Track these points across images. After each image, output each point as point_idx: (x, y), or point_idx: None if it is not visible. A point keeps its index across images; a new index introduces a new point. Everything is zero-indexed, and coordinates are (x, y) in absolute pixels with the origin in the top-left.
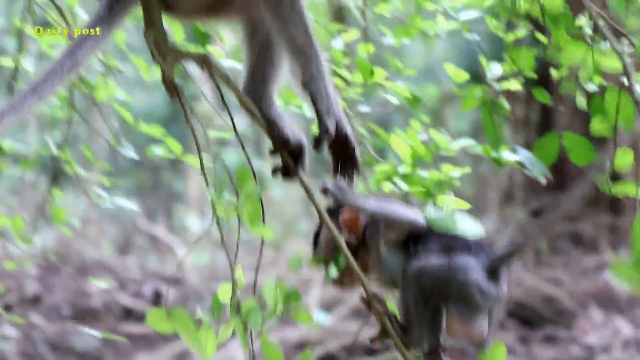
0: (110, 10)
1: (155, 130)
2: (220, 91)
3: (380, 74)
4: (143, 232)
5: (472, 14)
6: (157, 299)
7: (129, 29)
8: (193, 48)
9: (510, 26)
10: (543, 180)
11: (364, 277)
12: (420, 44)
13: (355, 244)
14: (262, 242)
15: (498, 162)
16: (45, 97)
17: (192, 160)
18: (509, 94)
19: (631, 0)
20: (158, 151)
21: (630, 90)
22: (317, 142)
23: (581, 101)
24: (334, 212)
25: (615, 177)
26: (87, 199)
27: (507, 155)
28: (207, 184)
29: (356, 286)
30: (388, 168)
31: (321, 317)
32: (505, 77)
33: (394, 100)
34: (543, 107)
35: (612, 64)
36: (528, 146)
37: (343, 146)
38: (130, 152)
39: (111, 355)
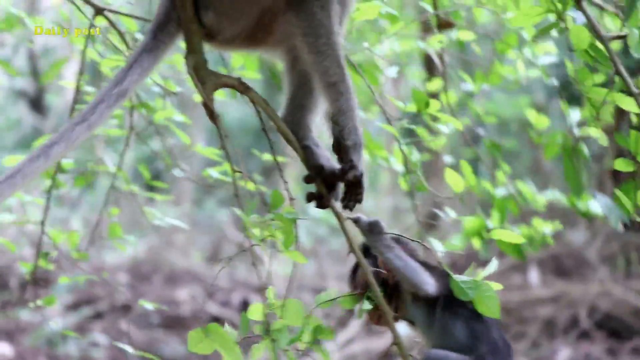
0: (155, 38)
1: (210, 152)
2: (260, 116)
3: (434, 105)
4: (232, 242)
5: (550, 59)
6: (245, 307)
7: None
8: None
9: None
10: (620, 228)
11: (391, 319)
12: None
13: (392, 283)
14: (294, 266)
15: (584, 215)
16: (94, 126)
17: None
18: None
19: None
20: (213, 173)
21: None
22: (342, 173)
23: None
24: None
25: None
26: (180, 209)
27: (592, 206)
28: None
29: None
30: (477, 223)
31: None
32: (584, 123)
33: (445, 130)
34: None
35: None
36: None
37: (356, 182)
38: (180, 173)
39: None
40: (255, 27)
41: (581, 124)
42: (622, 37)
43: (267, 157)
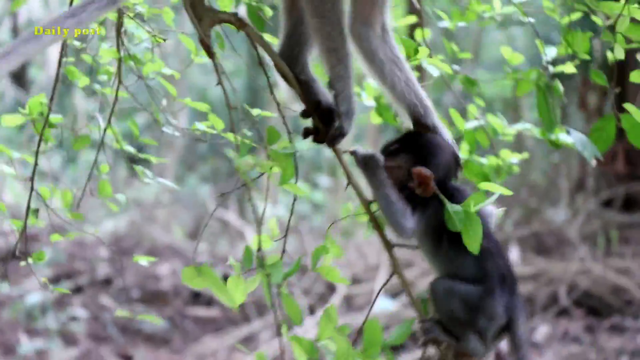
0: None
1: (201, 106)
2: (257, 50)
3: (423, 52)
4: (214, 217)
5: None
6: (226, 282)
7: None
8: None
9: (567, 9)
10: (593, 163)
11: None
12: (497, 33)
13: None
14: (295, 199)
15: (554, 144)
16: (83, 23)
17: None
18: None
19: None
20: (201, 126)
21: None
22: (332, 139)
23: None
24: (391, 152)
25: None
26: (161, 185)
27: (562, 137)
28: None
29: None
30: None
31: (386, 303)
32: (562, 60)
33: (435, 72)
34: (618, 98)
35: None
36: None
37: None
38: (171, 130)
39: (179, 337)
40: None
41: (555, 61)
42: None
43: (256, 111)
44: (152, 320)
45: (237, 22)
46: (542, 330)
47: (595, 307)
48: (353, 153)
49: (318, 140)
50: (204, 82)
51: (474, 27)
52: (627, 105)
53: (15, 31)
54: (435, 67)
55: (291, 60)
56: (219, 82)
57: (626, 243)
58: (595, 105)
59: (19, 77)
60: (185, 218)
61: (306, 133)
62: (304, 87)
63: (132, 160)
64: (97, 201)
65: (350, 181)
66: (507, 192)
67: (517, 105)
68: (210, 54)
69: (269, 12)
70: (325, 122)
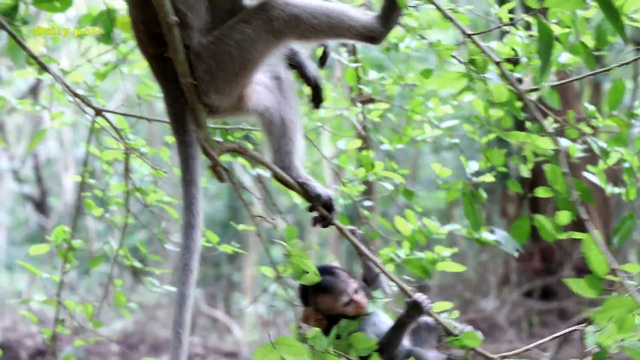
0: (183, 138)
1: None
2: (258, 175)
3: (379, 166)
4: (205, 315)
5: (451, 123)
6: None
7: None
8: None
9: (484, 131)
10: (515, 254)
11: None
12: (430, 157)
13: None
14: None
15: (480, 242)
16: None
17: (231, 249)
18: (504, 196)
19: None
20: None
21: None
22: (312, 207)
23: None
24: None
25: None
26: (161, 289)
27: (486, 235)
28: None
29: None
30: (390, 250)
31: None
32: (481, 173)
33: (389, 187)
34: (531, 206)
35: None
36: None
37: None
38: (173, 247)
39: None
40: (240, 98)
41: (477, 173)
42: (535, 90)
43: (242, 227)
44: None
45: (241, 148)
46: None
47: None
48: (353, 232)
49: (326, 225)
50: None
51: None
52: (537, 216)
53: (37, 169)
54: (387, 180)
55: (285, 169)
56: (239, 196)
57: (545, 326)
58: (514, 213)
59: (40, 205)
60: None
61: (315, 221)
62: (304, 187)
63: (139, 272)
64: (108, 305)
65: (360, 251)
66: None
67: (450, 215)
68: (221, 178)
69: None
70: (328, 209)
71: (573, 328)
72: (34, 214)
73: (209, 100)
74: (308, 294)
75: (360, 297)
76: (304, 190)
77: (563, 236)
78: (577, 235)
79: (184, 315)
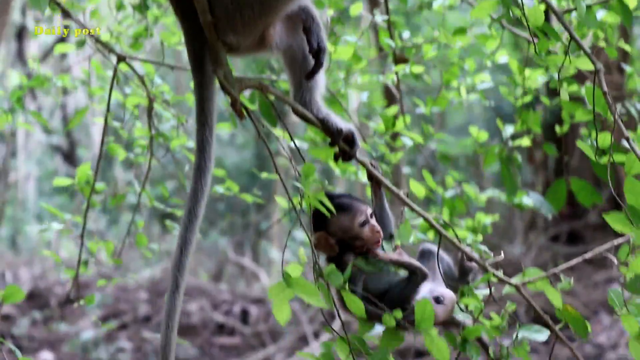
0: (201, 77)
1: (219, 172)
2: (276, 110)
3: (399, 124)
4: (233, 263)
5: (486, 85)
6: (244, 316)
7: None
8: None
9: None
10: (549, 217)
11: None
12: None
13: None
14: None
15: (520, 207)
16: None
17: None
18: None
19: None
20: (219, 189)
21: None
22: (333, 141)
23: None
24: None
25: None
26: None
27: (525, 201)
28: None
29: None
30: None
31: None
32: (518, 135)
33: (409, 142)
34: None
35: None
36: (547, 184)
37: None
38: None
39: None
40: (261, 37)
41: (513, 137)
42: (573, 10)
43: (265, 175)
44: (183, 343)
45: (261, 86)
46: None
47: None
48: (373, 165)
49: (347, 159)
50: (220, 153)
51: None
52: (573, 180)
53: (65, 120)
54: (409, 138)
55: (306, 105)
56: (258, 134)
57: (571, 270)
58: (541, 159)
59: (69, 156)
60: (208, 264)
61: (336, 157)
62: (323, 122)
63: (164, 216)
64: (136, 254)
65: (378, 181)
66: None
67: (478, 162)
68: (241, 115)
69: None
70: (349, 144)
71: (604, 247)
72: (63, 165)
73: (228, 39)
74: (323, 214)
75: (374, 221)
76: (325, 126)
77: (600, 200)
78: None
79: (184, 259)
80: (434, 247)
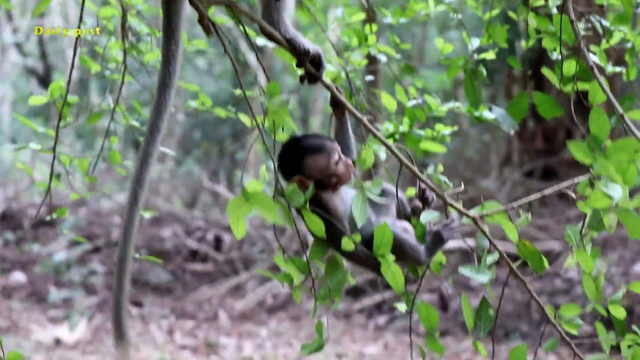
0: (169, 22)
1: (193, 87)
2: (244, 27)
3: (372, 39)
4: (208, 191)
5: None
6: (217, 243)
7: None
8: None
9: (488, 7)
10: (511, 133)
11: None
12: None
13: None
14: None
15: (478, 119)
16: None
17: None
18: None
19: None
20: (193, 104)
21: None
22: (300, 62)
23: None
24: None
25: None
26: (164, 166)
27: (485, 114)
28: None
29: None
30: (392, 127)
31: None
32: (484, 49)
33: (383, 58)
34: (536, 86)
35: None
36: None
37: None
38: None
39: (180, 288)
40: None
41: (479, 50)
42: None
43: (238, 91)
44: (159, 262)
45: (230, 3)
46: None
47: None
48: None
49: (313, 81)
50: (197, 82)
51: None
52: (535, 92)
53: (41, 44)
54: (382, 54)
55: (274, 25)
56: (225, 50)
57: (545, 206)
58: (517, 94)
59: (44, 80)
60: (183, 192)
61: (302, 79)
62: (291, 42)
63: (138, 143)
64: (111, 179)
65: (341, 102)
66: (442, 149)
67: (456, 97)
68: (208, 31)
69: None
70: (316, 66)
71: (566, 183)
72: (38, 88)
73: None
74: (296, 158)
75: (345, 157)
76: (292, 46)
77: (560, 113)
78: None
79: (144, 172)
80: (390, 186)
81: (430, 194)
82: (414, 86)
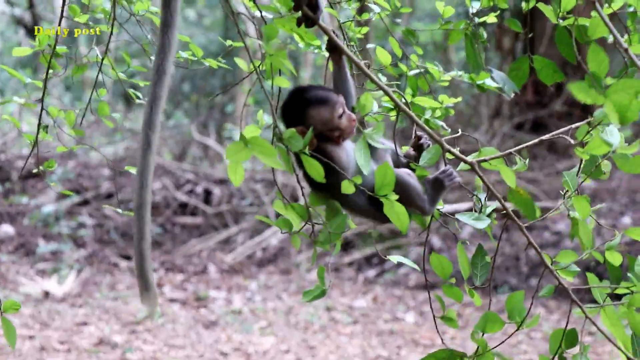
0: None
1: (183, 38)
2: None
3: None
4: (197, 143)
5: None
6: (207, 196)
7: None
8: None
9: None
10: (511, 96)
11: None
12: None
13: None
14: (279, 90)
15: (480, 88)
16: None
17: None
18: (499, 29)
19: None
20: (184, 54)
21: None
22: (296, 5)
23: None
24: None
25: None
26: (144, 101)
27: (488, 82)
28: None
29: None
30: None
31: None
32: (486, 12)
33: (377, 9)
34: (528, 39)
35: None
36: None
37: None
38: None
39: (169, 241)
40: None
41: (479, 12)
42: None
43: (229, 42)
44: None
45: None
46: (466, 230)
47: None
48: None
49: (310, 25)
50: (187, 34)
51: None
52: (536, 57)
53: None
54: (377, 5)
55: None
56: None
57: (534, 159)
58: (509, 46)
59: (32, 31)
60: (172, 144)
61: (299, 22)
62: None
63: (127, 96)
64: (100, 131)
65: (333, 40)
66: (438, 105)
67: (445, 48)
68: None
69: None
70: (313, 9)
71: (562, 130)
72: (26, 39)
73: None
74: (299, 109)
75: (348, 110)
76: None
77: (562, 79)
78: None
79: (155, 116)
80: (384, 140)
81: (426, 141)
82: (416, 54)
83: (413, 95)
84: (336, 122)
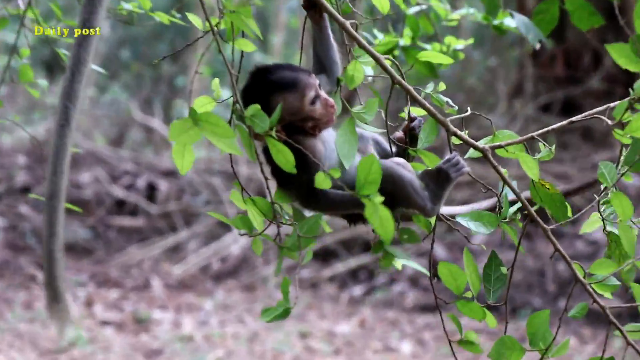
0: None
1: None
2: None
3: None
4: (139, 125)
5: None
6: (151, 192)
7: None
8: None
9: None
10: (537, 46)
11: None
12: None
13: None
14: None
15: (498, 29)
16: None
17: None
18: None
19: None
20: (127, 6)
21: None
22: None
23: None
24: None
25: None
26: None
27: (506, 22)
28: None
29: None
30: (388, 40)
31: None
32: None
33: None
34: None
35: None
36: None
37: None
38: None
39: (102, 248)
40: None
41: None
42: None
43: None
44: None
45: None
46: (479, 237)
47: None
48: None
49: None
50: None
51: None
52: None
53: None
54: None
55: None
56: None
57: (564, 149)
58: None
59: None
60: (107, 126)
61: (306, 4)
62: None
63: (49, 64)
64: (14, 108)
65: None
66: (449, 60)
67: None
68: None
69: None
70: None
71: (597, 109)
72: None
73: None
74: (261, 95)
75: (324, 93)
76: None
77: (600, 23)
78: None
79: (76, 85)
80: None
81: (419, 127)
82: None
83: (413, 39)
84: (307, 110)
